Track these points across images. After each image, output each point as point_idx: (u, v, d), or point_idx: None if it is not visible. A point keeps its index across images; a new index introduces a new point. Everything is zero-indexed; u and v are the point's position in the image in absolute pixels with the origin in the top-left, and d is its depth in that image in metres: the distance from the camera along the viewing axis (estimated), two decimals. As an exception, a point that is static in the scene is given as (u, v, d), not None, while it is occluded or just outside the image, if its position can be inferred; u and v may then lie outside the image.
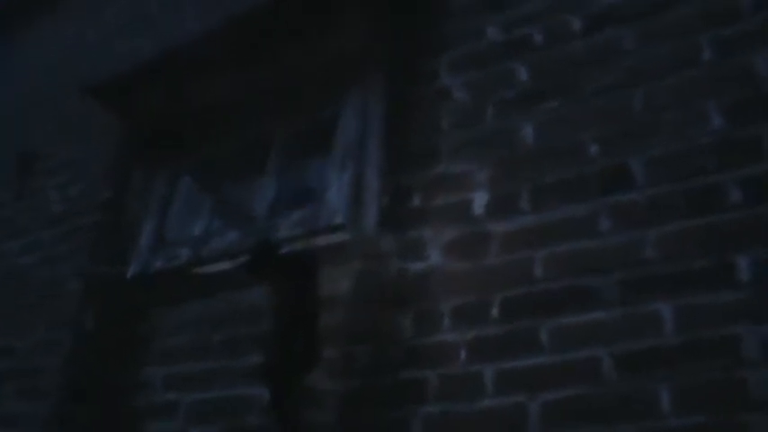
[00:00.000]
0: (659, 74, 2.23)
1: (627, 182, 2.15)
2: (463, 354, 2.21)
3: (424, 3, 2.83)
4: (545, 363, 2.07)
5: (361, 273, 2.51)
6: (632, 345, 1.97)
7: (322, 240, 2.63)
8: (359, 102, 2.80)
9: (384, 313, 2.41)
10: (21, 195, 3.96)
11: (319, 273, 2.47)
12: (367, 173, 2.62)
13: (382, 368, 2.33)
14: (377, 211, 2.54)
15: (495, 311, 2.21)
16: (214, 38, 3.07)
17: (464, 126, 2.54)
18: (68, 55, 4.50)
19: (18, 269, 3.65)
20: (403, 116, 2.69)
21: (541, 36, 2.50)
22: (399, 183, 2.57)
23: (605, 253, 2.11)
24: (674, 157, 2.11)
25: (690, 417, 1.83)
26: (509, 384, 2.10)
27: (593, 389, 1.98)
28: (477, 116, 2.52)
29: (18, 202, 3.97)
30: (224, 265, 2.88)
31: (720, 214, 1.98)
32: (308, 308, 2.40)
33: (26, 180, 3.98)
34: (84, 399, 2.95)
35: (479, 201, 2.39)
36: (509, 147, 2.41)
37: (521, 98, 2.46)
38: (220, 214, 3.10)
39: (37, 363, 3.19)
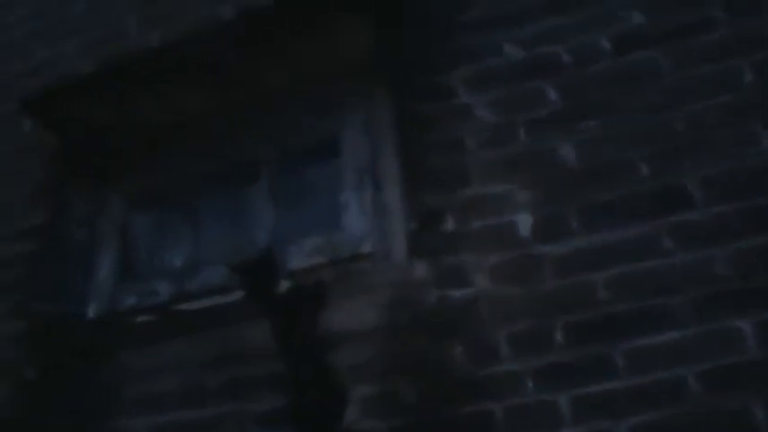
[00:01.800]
0: (699, 95, 2.30)
1: (685, 201, 2.19)
2: (530, 383, 2.15)
3: (430, 16, 2.72)
4: (624, 386, 2.06)
5: (392, 302, 2.37)
6: (716, 362, 2.01)
7: (343, 269, 2.46)
8: (362, 117, 2.63)
9: (426, 344, 2.29)
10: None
11: (327, 303, 2.32)
12: (386, 194, 2.47)
13: (433, 403, 2.21)
14: (405, 237, 2.41)
15: (559, 337, 2.17)
16: (175, 48, 2.77)
17: (494, 146, 2.46)
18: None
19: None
20: (417, 133, 2.57)
21: (569, 55, 2.49)
22: (426, 205, 2.45)
23: (674, 272, 2.13)
24: (728, 176, 2.18)
25: (786, 430, 1.90)
26: (588, 411, 2.06)
27: (681, 409, 1.99)
28: (507, 136, 2.46)
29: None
30: (216, 300, 2.61)
31: (785, 232, 2.08)
32: (317, 342, 2.25)
33: None
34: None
35: (524, 223, 2.33)
36: (549, 167, 2.37)
37: (553, 118, 2.43)
38: (205, 244, 2.78)
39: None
